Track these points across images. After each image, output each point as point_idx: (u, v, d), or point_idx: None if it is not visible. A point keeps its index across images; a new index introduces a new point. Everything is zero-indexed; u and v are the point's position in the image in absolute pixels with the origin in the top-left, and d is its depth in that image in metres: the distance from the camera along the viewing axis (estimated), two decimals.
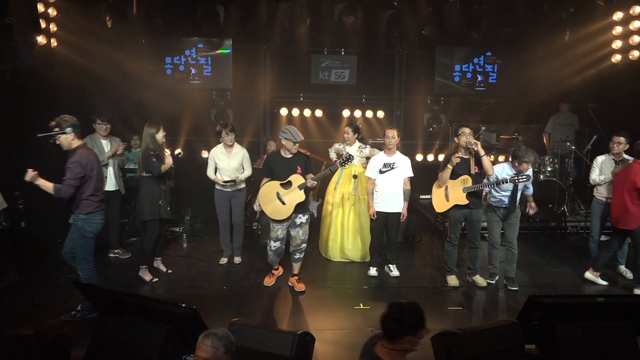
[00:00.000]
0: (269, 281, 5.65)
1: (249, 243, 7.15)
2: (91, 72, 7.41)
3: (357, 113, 9.51)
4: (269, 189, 5.26)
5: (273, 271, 5.74)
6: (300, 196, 5.17)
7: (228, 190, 6.01)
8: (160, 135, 5.46)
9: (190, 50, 8.98)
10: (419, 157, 9.77)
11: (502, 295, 5.56)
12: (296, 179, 5.16)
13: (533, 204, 5.68)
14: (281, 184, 5.20)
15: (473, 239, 5.67)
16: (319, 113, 9.48)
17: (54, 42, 6.97)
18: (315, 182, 5.17)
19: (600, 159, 6.07)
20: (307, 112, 9.44)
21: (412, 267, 6.41)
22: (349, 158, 5.24)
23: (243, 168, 6.10)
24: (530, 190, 5.67)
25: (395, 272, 6.02)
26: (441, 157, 9.78)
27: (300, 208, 5.26)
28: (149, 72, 8.79)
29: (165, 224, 6.10)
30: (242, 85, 9.22)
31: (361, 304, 5.19)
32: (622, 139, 5.83)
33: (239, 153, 6.04)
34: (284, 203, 5.20)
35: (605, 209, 5.96)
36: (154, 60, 8.89)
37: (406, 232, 7.34)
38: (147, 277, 5.63)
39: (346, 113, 9.50)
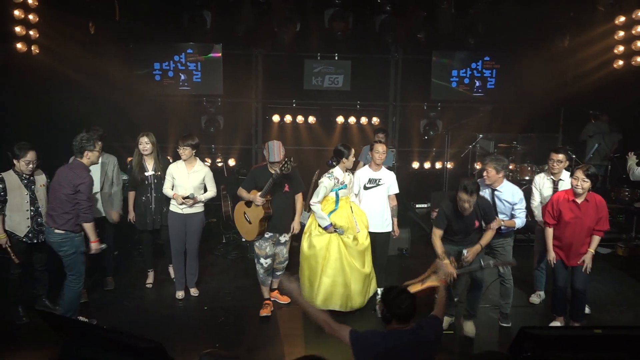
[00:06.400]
0: (265, 311, 5.14)
1: (237, 257, 6.92)
2: (75, 80, 7.22)
3: (352, 119, 9.28)
4: (239, 210, 5.13)
5: (266, 301, 5.23)
6: (260, 212, 4.85)
7: (182, 212, 5.29)
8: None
9: (179, 56, 8.78)
10: (415, 165, 9.54)
11: (494, 316, 5.26)
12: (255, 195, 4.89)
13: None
14: (245, 203, 5.02)
15: None
16: (311, 120, 9.26)
17: (35, 50, 6.77)
18: (263, 199, 4.78)
19: (538, 180, 5.31)
20: (299, 119, 9.23)
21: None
22: (287, 162, 4.63)
23: (205, 189, 5.45)
24: (519, 221, 4.82)
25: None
26: (438, 165, 9.55)
27: (282, 226, 5.08)
28: (137, 78, 8.59)
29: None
30: (233, 91, 9.05)
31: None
32: (561, 156, 5.07)
33: (201, 171, 5.36)
34: (250, 222, 5.01)
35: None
36: (142, 66, 8.70)
37: (399, 244, 7.08)
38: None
39: (340, 119, 9.27)
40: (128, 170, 5.64)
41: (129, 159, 8.03)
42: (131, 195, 5.58)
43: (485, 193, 4.89)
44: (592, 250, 4.65)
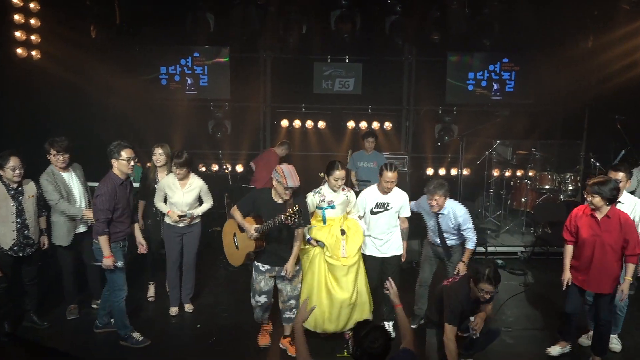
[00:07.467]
0: (264, 340, 4.69)
1: (239, 269, 6.64)
2: (77, 85, 7.06)
3: (363, 124, 8.96)
4: (229, 229, 4.59)
5: (264, 327, 4.75)
6: (250, 244, 4.26)
7: (180, 225, 5.08)
8: None
9: (185, 60, 8.59)
10: (430, 172, 9.16)
11: (505, 339, 4.87)
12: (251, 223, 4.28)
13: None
14: (238, 224, 4.41)
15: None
16: (321, 125, 8.96)
17: (36, 55, 6.64)
18: (258, 234, 4.16)
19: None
20: (309, 124, 8.95)
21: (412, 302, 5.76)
22: (296, 214, 3.86)
23: (200, 202, 5.22)
24: (471, 244, 4.63)
25: (391, 333, 4.77)
26: (453, 172, 9.13)
27: (282, 259, 4.34)
28: (142, 82, 8.45)
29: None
30: (240, 95, 8.84)
31: None
32: (621, 175, 4.41)
33: (196, 186, 5.08)
34: (237, 248, 4.50)
35: None
36: (148, 71, 8.54)
37: (409, 256, 6.72)
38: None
39: (351, 124, 8.96)
40: (141, 178, 5.43)
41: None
42: (141, 204, 5.39)
43: (432, 218, 4.80)
44: (629, 278, 4.14)
